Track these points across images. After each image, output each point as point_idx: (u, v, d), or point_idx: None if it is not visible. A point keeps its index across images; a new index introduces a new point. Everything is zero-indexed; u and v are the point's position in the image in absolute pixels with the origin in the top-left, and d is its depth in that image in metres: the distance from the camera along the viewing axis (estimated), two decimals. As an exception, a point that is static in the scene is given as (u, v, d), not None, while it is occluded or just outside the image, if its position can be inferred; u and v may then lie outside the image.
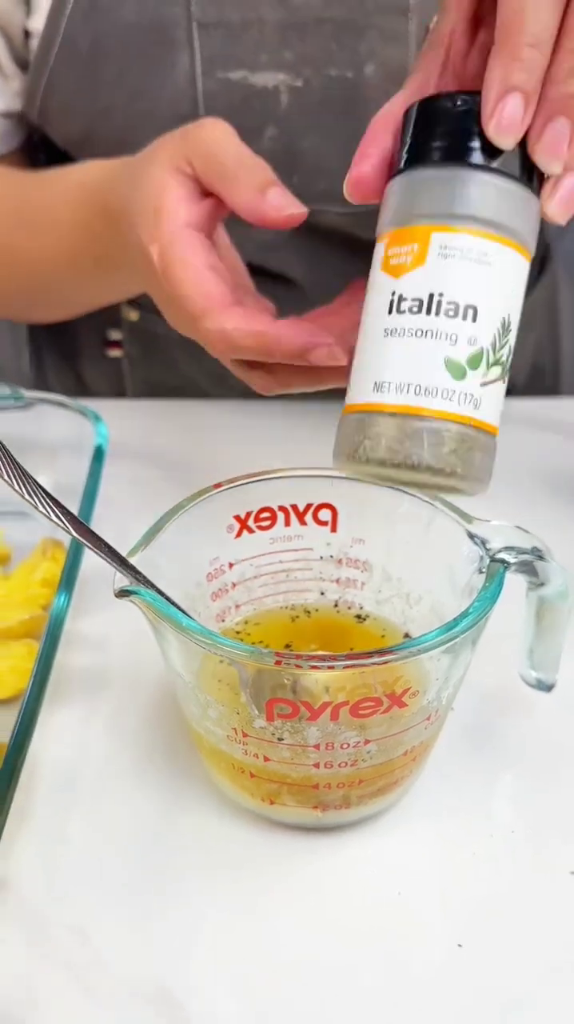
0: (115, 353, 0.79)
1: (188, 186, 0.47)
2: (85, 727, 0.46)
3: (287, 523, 0.45)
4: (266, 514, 0.45)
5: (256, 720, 0.37)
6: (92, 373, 0.81)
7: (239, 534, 0.45)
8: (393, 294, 0.36)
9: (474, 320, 0.35)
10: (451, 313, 0.35)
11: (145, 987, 0.36)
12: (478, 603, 0.37)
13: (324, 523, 0.45)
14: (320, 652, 0.45)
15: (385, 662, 0.35)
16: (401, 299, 0.36)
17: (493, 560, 0.39)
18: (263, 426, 0.71)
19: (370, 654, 0.35)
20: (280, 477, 0.45)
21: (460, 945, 0.37)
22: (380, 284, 0.37)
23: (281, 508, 0.45)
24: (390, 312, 0.36)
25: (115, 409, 0.64)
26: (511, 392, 0.79)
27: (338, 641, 0.46)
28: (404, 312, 0.36)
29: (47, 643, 0.42)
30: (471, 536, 0.41)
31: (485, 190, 0.36)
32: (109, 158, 0.56)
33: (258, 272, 0.54)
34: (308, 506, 0.45)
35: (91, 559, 0.48)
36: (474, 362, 0.36)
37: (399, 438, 0.36)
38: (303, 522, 0.45)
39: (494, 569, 0.39)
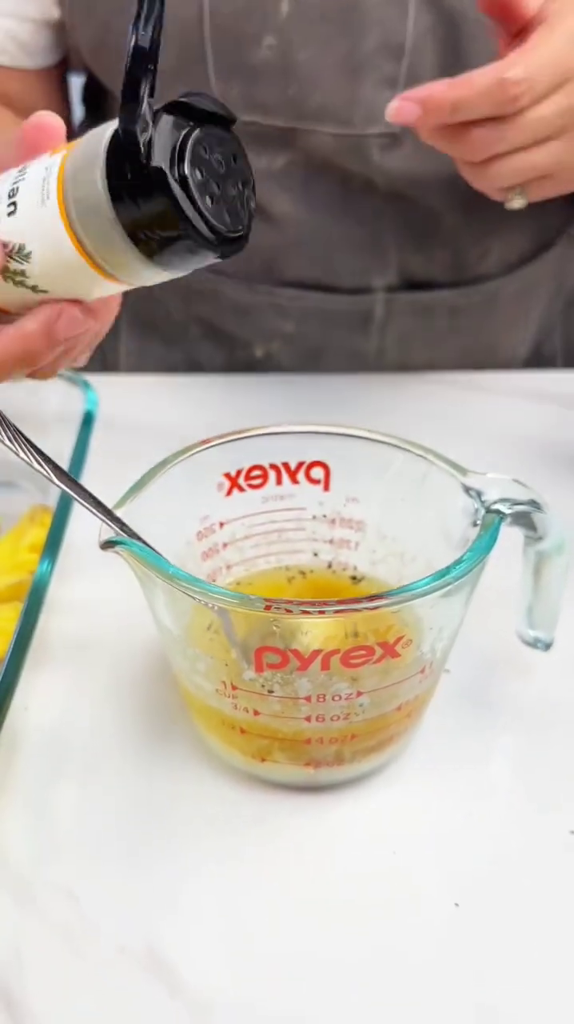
0: None
1: None
2: (72, 690, 0.45)
3: (279, 482, 0.44)
4: (257, 472, 0.44)
5: (246, 672, 0.36)
6: None
7: (229, 492, 0.44)
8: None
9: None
10: None
11: (135, 948, 0.35)
12: (472, 552, 0.36)
13: (317, 481, 0.45)
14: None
15: (376, 607, 0.34)
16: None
17: (488, 511, 0.39)
18: (258, 400, 0.70)
19: (360, 600, 0.34)
20: (271, 434, 0.44)
21: (457, 904, 0.36)
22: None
23: (272, 466, 0.44)
24: None
25: (106, 382, 0.63)
26: (517, 365, 0.78)
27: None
28: None
29: (30, 605, 0.42)
30: (466, 489, 0.40)
31: None
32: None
33: None
34: (300, 464, 0.44)
35: (77, 524, 0.47)
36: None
37: None
38: (295, 480, 0.44)
39: (489, 520, 0.38)
